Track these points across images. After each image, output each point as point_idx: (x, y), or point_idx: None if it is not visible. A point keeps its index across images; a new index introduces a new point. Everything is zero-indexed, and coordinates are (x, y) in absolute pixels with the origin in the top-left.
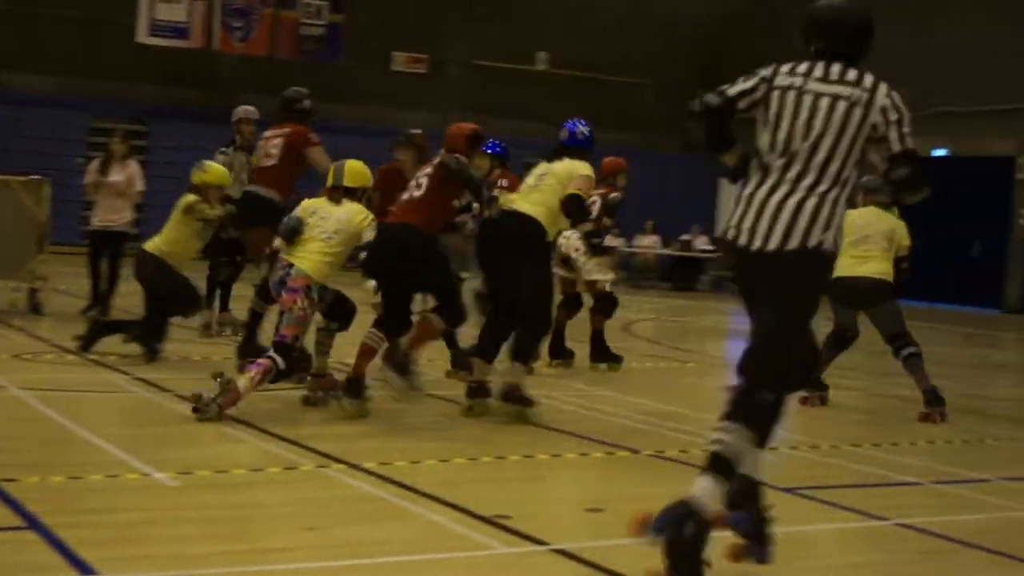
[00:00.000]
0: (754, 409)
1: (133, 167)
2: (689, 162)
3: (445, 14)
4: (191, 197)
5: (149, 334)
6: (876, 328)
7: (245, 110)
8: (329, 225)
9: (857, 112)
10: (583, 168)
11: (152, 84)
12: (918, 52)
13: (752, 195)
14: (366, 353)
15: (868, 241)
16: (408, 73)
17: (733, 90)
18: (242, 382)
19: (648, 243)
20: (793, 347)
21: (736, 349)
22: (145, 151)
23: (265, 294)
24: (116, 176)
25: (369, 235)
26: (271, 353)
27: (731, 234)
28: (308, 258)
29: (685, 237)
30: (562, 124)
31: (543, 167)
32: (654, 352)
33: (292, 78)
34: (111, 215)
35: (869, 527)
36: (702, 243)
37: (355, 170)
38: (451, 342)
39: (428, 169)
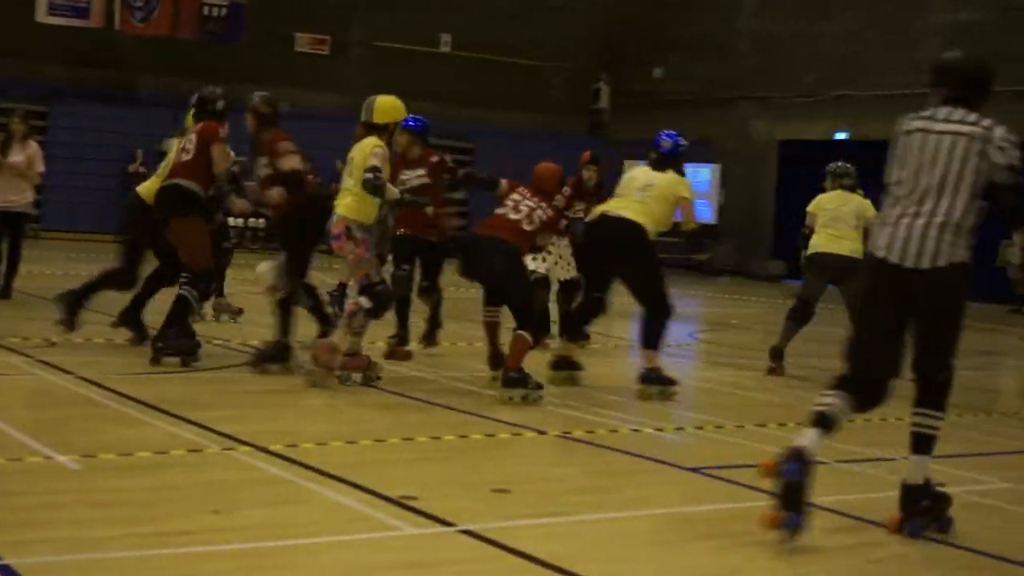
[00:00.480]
0: (944, 391)
1: (33, 148)
2: (594, 143)
3: None
4: None
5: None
6: (844, 299)
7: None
8: (354, 165)
9: (975, 148)
10: (686, 190)
11: (53, 64)
12: (819, 37)
13: (897, 222)
14: (492, 328)
15: (840, 221)
16: (311, 54)
17: None
18: (337, 335)
19: None
20: (960, 332)
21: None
22: (45, 132)
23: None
24: (16, 157)
25: (373, 161)
26: (360, 298)
27: (881, 254)
28: (340, 202)
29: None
30: (661, 134)
31: (646, 176)
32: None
33: (194, 58)
34: (11, 195)
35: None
36: None
37: (384, 105)
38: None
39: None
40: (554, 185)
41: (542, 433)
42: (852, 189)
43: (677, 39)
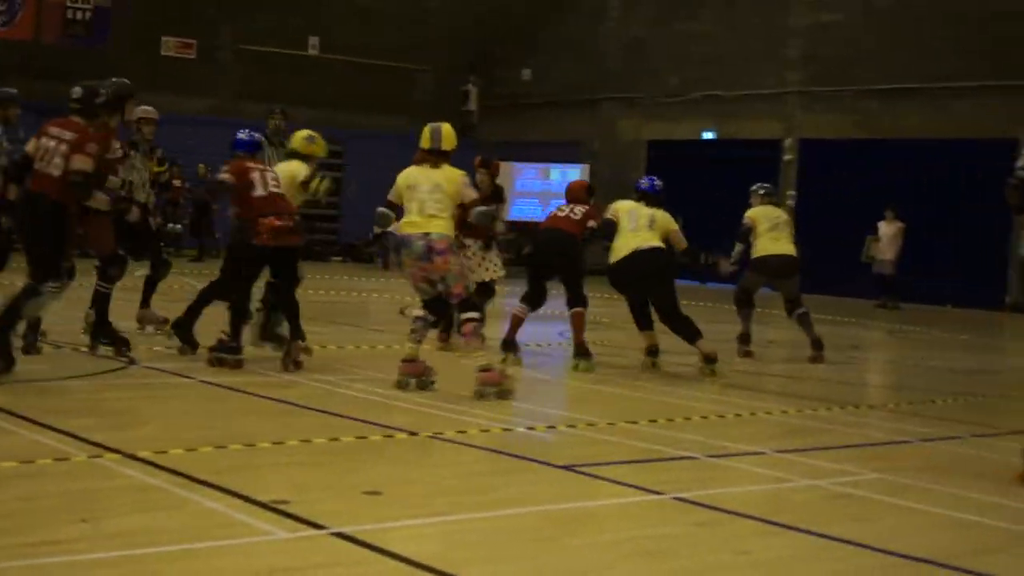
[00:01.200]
0: None
1: None
2: (467, 147)
3: None
4: (303, 168)
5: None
6: (781, 292)
7: (144, 110)
8: (438, 191)
9: None
10: (673, 223)
11: None
12: (685, 38)
13: None
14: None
15: (779, 228)
16: (177, 58)
17: None
18: (474, 347)
19: None
20: None
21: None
22: None
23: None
24: None
25: (469, 193)
26: (468, 314)
27: None
28: (436, 222)
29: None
30: (644, 178)
31: (648, 213)
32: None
33: (58, 63)
34: None
35: (646, 501)
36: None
37: (450, 134)
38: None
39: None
40: (583, 194)
41: (413, 435)
42: (776, 204)
43: (545, 40)
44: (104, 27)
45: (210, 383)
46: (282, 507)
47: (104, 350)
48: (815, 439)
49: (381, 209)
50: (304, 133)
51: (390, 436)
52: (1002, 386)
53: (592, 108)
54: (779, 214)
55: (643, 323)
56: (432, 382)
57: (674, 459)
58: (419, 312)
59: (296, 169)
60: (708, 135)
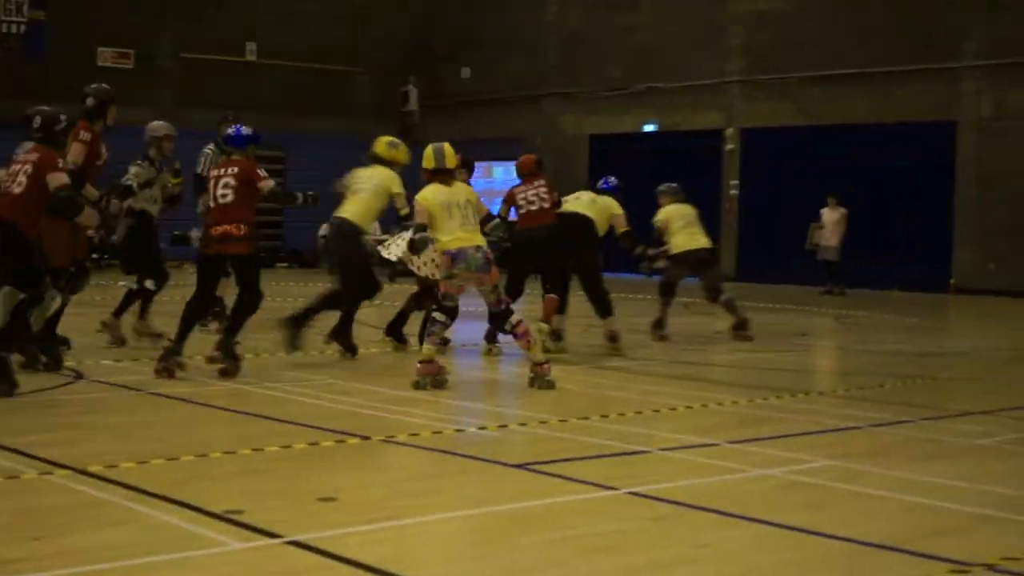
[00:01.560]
0: None
1: None
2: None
3: (151, 7)
4: (395, 178)
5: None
6: (704, 282)
7: (166, 126)
8: (469, 206)
9: None
10: (617, 208)
11: None
12: (624, 31)
13: None
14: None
15: (693, 224)
16: (115, 68)
17: None
18: (534, 352)
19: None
20: None
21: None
22: None
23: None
24: None
25: (482, 205)
26: (520, 324)
27: None
28: (479, 234)
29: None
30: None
31: (592, 195)
32: (378, 338)
33: None
34: None
35: (601, 497)
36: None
37: (451, 152)
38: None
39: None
40: (534, 167)
41: (365, 439)
42: (683, 201)
43: (483, 38)
44: (40, 39)
45: (159, 394)
46: (236, 517)
47: (43, 361)
48: (767, 428)
49: (424, 235)
50: (387, 139)
51: (342, 441)
52: (951, 368)
53: (534, 104)
54: (689, 211)
55: (554, 289)
56: (445, 380)
57: (628, 454)
58: (439, 316)
59: (386, 178)
60: (650, 127)
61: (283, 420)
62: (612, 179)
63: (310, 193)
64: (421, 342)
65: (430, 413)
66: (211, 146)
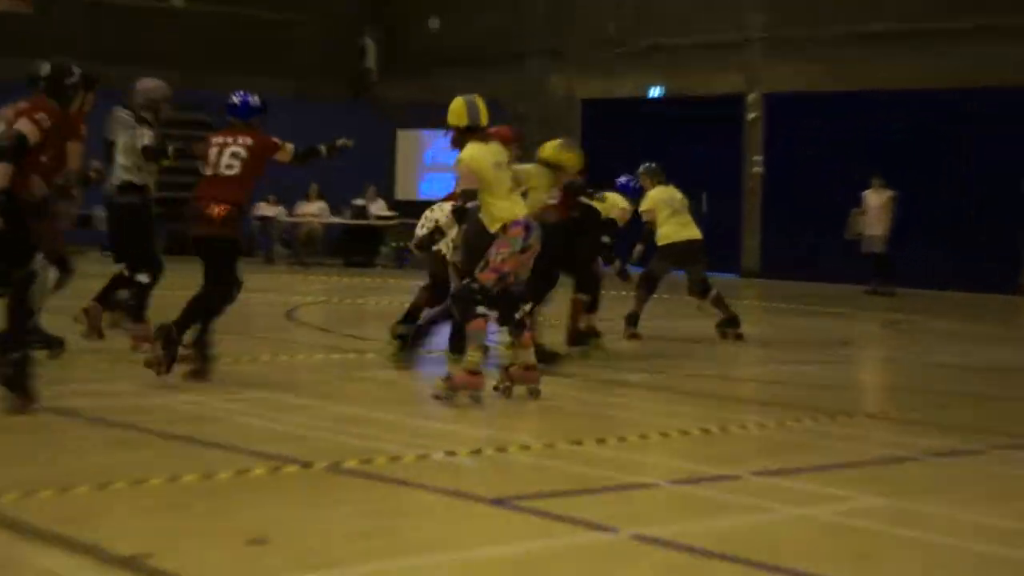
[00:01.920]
0: None
1: None
2: (358, 110)
3: None
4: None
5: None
6: (690, 276)
7: (165, 86)
8: (510, 169)
9: None
10: (622, 202)
11: None
12: None
13: None
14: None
15: (682, 211)
16: (10, 14)
17: None
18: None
19: (313, 211)
20: None
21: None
22: None
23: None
24: None
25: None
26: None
27: None
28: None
29: (359, 202)
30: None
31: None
32: (325, 342)
33: None
34: None
35: (597, 541)
36: (379, 208)
37: (484, 107)
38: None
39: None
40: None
41: (307, 466)
42: (667, 184)
43: None
44: None
45: (53, 409)
46: (144, 561)
47: None
48: (802, 458)
49: (477, 203)
50: (558, 141)
51: (278, 469)
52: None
53: (516, 63)
54: (677, 195)
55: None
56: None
57: (630, 487)
58: (483, 309)
59: (537, 175)
60: (655, 92)
61: (205, 442)
62: (634, 183)
63: (340, 141)
64: (454, 349)
65: (387, 435)
66: (125, 111)
